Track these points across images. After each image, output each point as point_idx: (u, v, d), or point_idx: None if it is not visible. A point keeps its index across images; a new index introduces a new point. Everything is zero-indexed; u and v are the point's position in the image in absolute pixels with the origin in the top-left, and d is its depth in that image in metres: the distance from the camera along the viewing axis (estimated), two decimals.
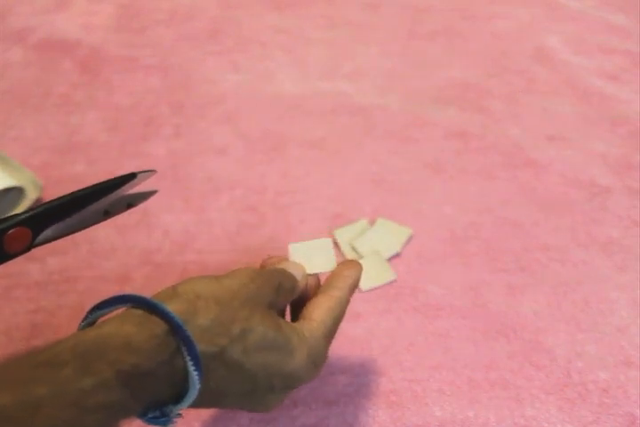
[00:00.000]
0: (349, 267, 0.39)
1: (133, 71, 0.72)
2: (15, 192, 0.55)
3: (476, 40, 0.75)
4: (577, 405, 0.43)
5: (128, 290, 0.50)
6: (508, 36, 0.76)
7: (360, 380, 0.45)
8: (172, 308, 0.30)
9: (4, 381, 0.26)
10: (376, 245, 0.52)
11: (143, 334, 0.29)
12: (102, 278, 0.51)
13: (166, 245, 0.54)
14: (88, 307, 0.31)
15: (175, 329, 0.29)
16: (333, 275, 0.38)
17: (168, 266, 0.52)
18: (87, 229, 0.55)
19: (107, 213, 0.40)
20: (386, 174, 0.60)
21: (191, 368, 0.29)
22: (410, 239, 0.54)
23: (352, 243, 0.53)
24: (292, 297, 0.37)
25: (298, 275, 0.38)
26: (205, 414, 0.44)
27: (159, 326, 0.29)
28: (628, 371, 0.45)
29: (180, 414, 0.31)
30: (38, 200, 0.57)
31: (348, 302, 0.37)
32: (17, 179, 0.55)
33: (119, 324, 0.29)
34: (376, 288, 0.50)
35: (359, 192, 0.58)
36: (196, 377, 0.29)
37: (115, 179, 0.37)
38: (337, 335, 0.47)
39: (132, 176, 0.38)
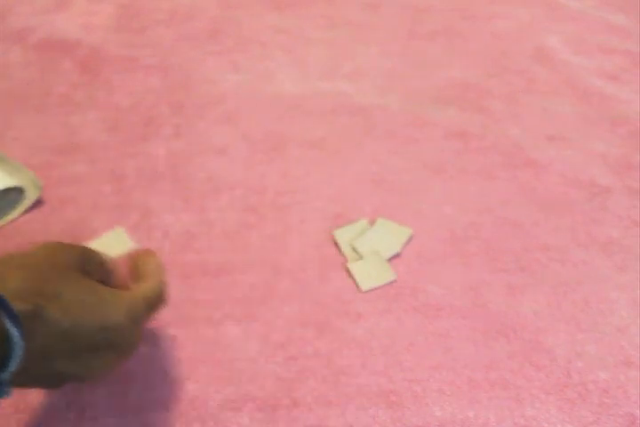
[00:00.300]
0: (147, 254, 0.42)
1: (133, 71, 0.72)
2: (15, 192, 0.55)
3: (476, 40, 0.75)
4: (577, 405, 0.43)
5: None
6: (508, 36, 0.76)
7: (360, 380, 0.45)
8: None
9: None
10: (376, 245, 0.52)
11: None
12: None
13: (166, 245, 0.54)
14: None
15: None
16: (137, 263, 0.41)
17: (168, 266, 0.52)
18: (88, 230, 0.56)
19: None
20: (386, 174, 0.60)
21: (9, 325, 0.30)
22: (410, 239, 0.54)
23: (352, 243, 0.53)
24: (103, 271, 0.39)
25: (102, 254, 0.40)
26: (205, 414, 0.44)
27: None
28: (628, 371, 0.45)
29: (9, 385, 0.31)
30: (38, 200, 0.57)
31: (164, 283, 0.40)
32: (17, 179, 0.55)
33: None
34: (376, 288, 0.50)
35: (359, 192, 0.58)
36: (17, 334, 0.30)
37: None
38: (337, 335, 0.48)
39: None
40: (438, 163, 0.61)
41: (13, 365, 0.30)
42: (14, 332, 0.30)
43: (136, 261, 0.41)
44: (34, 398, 0.44)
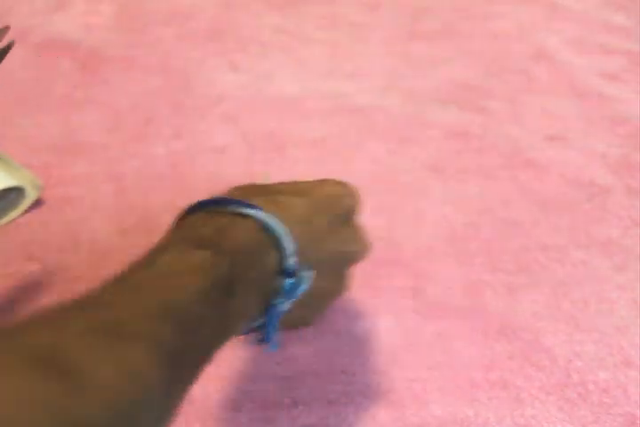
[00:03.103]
0: None
1: (133, 71, 0.72)
2: (15, 192, 0.55)
3: (475, 40, 0.75)
4: (577, 405, 0.43)
5: None
6: (507, 36, 0.76)
7: (360, 380, 0.45)
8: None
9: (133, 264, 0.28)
10: None
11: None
12: (102, 278, 0.51)
13: None
14: None
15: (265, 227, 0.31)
16: None
17: None
18: (88, 230, 0.56)
19: None
20: (385, 174, 0.60)
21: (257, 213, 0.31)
22: None
23: None
24: None
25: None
26: (205, 413, 0.44)
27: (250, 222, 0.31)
28: (628, 371, 0.45)
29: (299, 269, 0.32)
30: (38, 200, 0.57)
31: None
32: (17, 179, 0.55)
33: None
34: (376, 287, 0.50)
35: (359, 192, 0.58)
36: (273, 220, 0.31)
37: None
38: (337, 334, 0.48)
39: None
40: (438, 163, 0.61)
41: (289, 246, 0.31)
42: (269, 219, 0.31)
43: None
44: None
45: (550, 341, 0.47)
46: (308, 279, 0.32)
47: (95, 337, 0.22)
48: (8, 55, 0.74)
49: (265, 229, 0.31)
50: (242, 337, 0.33)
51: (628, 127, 0.64)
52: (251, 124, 0.65)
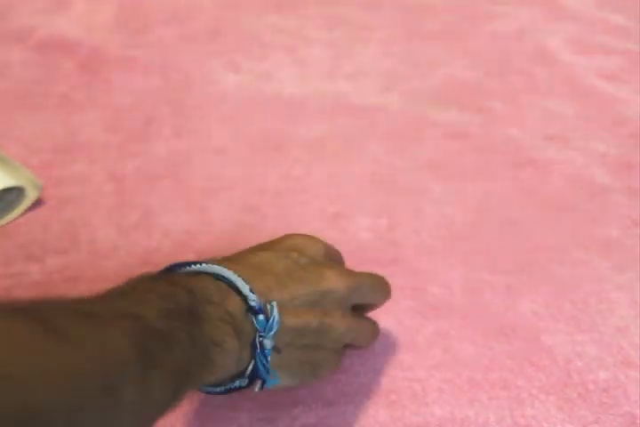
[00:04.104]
0: None
1: (133, 71, 0.72)
2: (15, 192, 0.55)
3: (476, 40, 0.75)
4: (577, 405, 0.43)
5: None
6: (507, 36, 0.76)
7: (360, 379, 0.45)
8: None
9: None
10: None
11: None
12: (102, 278, 0.51)
13: (166, 245, 0.54)
14: None
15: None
16: None
17: None
18: (88, 230, 0.56)
19: None
20: (386, 174, 0.60)
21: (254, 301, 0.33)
22: None
23: None
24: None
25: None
26: (205, 413, 0.44)
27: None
28: (628, 371, 0.45)
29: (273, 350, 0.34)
30: (38, 200, 0.57)
31: None
32: (17, 179, 0.55)
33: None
34: None
35: (359, 192, 0.58)
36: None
37: None
38: None
39: None
40: (438, 163, 0.61)
41: (244, 286, 0.33)
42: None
43: None
44: None
45: (550, 341, 0.47)
46: (276, 309, 0.34)
47: (79, 317, 0.25)
48: (8, 55, 0.74)
49: (219, 278, 0.33)
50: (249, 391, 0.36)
51: (628, 127, 0.64)
52: (251, 124, 0.65)
